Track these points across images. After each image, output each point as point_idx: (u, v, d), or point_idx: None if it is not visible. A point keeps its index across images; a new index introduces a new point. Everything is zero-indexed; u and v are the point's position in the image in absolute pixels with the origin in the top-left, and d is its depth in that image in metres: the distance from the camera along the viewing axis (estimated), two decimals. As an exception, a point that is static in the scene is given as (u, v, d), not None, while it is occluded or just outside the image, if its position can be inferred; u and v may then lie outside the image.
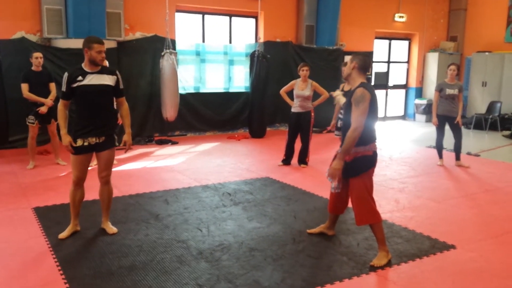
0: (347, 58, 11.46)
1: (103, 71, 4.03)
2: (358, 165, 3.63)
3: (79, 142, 3.98)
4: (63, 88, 3.96)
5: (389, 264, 3.71)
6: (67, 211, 4.81)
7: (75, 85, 3.91)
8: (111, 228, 4.30)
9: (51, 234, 4.20)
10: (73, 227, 4.22)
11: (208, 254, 3.84)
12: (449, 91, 7.14)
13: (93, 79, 3.95)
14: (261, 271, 3.59)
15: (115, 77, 4.09)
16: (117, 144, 4.28)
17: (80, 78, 3.91)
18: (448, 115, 7.18)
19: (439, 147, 7.48)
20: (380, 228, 3.74)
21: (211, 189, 5.78)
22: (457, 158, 7.42)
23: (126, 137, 4.21)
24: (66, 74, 3.94)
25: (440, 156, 7.49)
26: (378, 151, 3.75)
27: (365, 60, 3.67)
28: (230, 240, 4.16)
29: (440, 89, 7.24)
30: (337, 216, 4.23)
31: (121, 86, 4.15)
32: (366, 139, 3.60)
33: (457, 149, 7.38)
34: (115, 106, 4.38)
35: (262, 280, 3.45)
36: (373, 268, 3.63)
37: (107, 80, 4.03)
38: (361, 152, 3.61)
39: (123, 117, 4.22)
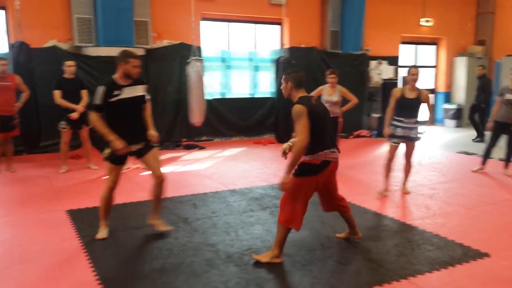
0: (373, 64, 11.49)
1: (135, 82, 4.14)
2: (301, 169, 3.68)
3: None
4: (98, 102, 3.97)
5: (272, 263, 3.73)
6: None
7: (113, 99, 3.97)
8: (163, 226, 4.43)
9: (85, 236, 4.30)
10: (107, 226, 4.36)
11: (237, 258, 3.87)
12: (509, 97, 6.75)
13: (129, 92, 4.06)
14: (290, 276, 3.59)
15: (144, 86, 4.25)
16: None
17: (116, 92, 3.99)
18: (507, 122, 6.82)
19: (487, 153, 7.12)
20: (286, 234, 3.75)
21: (239, 193, 5.82)
22: (506, 166, 7.06)
23: (153, 132, 4.27)
24: (102, 89, 3.97)
25: (484, 162, 7.16)
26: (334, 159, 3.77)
27: (297, 77, 3.74)
28: (258, 244, 4.18)
29: (501, 93, 6.89)
30: (349, 217, 4.20)
31: (147, 95, 4.31)
32: (312, 149, 3.63)
33: (508, 157, 7.02)
34: None
35: (291, 285, 3.46)
36: (402, 275, 3.58)
37: (140, 90, 4.17)
38: (307, 160, 3.67)
39: (147, 117, 4.31)
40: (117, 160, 4.12)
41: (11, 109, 6.67)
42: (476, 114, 10.55)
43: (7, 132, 6.71)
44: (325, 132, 3.72)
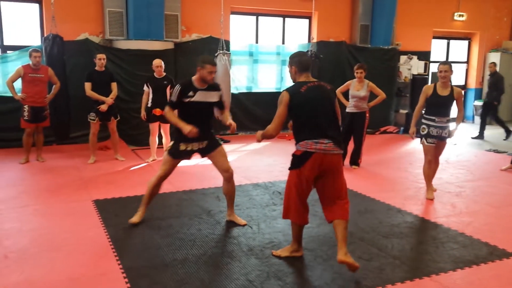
0: (403, 59, 11.27)
1: (210, 87, 4.25)
2: (291, 161, 3.61)
3: (182, 147, 4.26)
4: (173, 99, 4.16)
5: (294, 257, 3.74)
6: (125, 204, 5.05)
7: (186, 100, 4.14)
8: (240, 220, 4.54)
9: (110, 226, 4.41)
10: (143, 214, 4.51)
11: (258, 251, 3.90)
12: None
13: (202, 96, 4.19)
14: (311, 270, 3.60)
15: (219, 92, 4.35)
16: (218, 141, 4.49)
17: (191, 93, 4.16)
18: None
19: None
20: (294, 227, 3.71)
21: (262, 187, 5.84)
22: None
23: (231, 121, 4.37)
24: (178, 87, 4.16)
25: None
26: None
27: (300, 61, 3.66)
28: (280, 238, 4.19)
29: None
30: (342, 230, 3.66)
31: (223, 99, 4.42)
32: (296, 138, 3.58)
33: None
34: None
35: (312, 279, 3.46)
36: (426, 273, 3.54)
37: (214, 97, 4.29)
38: (294, 151, 3.59)
39: (226, 115, 4.46)
40: (177, 154, 4.28)
41: (43, 100, 6.83)
42: (489, 112, 10.34)
43: (38, 122, 6.89)
44: (314, 121, 3.48)
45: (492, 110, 10.32)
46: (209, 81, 4.18)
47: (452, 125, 5.46)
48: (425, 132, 5.42)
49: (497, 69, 10.52)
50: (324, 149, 3.44)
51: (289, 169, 3.64)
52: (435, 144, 5.43)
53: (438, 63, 5.46)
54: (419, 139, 5.61)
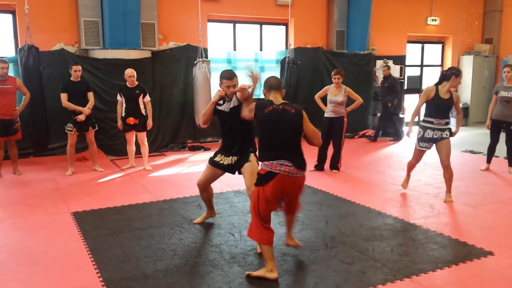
0: (379, 63, 11.42)
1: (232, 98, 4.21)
2: (256, 178, 3.63)
3: (217, 158, 4.37)
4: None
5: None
6: (104, 215, 5.00)
7: (218, 107, 4.23)
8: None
9: (89, 238, 4.34)
10: (207, 215, 4.81)
11: (241, 259, 3.89)
12: (503, 94, 6.79)
13: (225, 106, 4.21)
14: (294, 276, 3.61)
15: (235, 96, 4.19)
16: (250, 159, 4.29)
17: (221, 102, 4.20)
18: (503, 119, 6.87)
19: (490, 152, 7.19)
20: (264, 249, 3.56)
21: (243, 194, 5.83)
22: (510, 164, 7.11)
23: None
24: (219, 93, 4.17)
25: (488, 161, 7.22)
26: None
27: (267, 80, 3.75)
28: (263, 245, 4.18)
29: (496, 91, 6.94)
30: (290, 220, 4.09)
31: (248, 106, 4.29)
32: (262, 156, 3.60)
33: (510, 155, 7.07)
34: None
35: (294, 285, 3.47)
36: (406, 274, 3.58)
37: (234, 102, 4.20)
38: (259, 170, 3.63)
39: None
40: (211, 161, 4.41)
41: (12, 113, 6.63)
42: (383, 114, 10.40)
43: (9, 136, 6.69)
44: (271, 142, 3.54)
45: (387, 112, 10.29)
46: (228, 96, 4.15)
47: (452, 127, 5.54)
48: (420, 135, 5.49)
49: (471, 72, 10.63)
50: (288, 172, 3.48)
51: (255, 185, 3.63)
52: (427, 150, 5.56)
53: (455, 71, 5.37)
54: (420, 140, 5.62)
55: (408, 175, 6.00)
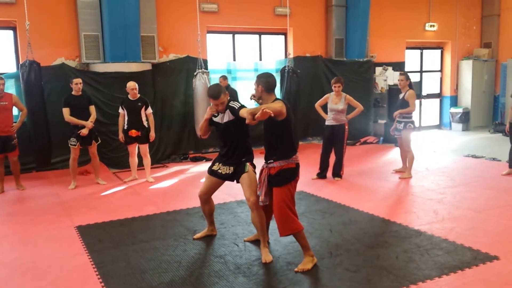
0: (378, 70, 11.48)
1: (226, 109, 4.24)
2: (282, 177, 3.80)
3: (215, 167, 4.39)
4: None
5: (314, 267, 3.84)
6: (108, 229, 4.99)
7: (214, 119, 4.31)
8: (266, 255, 4.10)
9: (94, 251, 4.34)
10: (207, 231, 4.71)
11: (246, 269, 3.88)
12: None
13: (220, 118, 4.29)
14: (299, 285, 3.59)
15: (228, 110, 4.22)
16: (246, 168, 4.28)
17: (216, 114, 4.29)
18: None
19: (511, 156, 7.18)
20: (302, 236, 3.86)
21: (246, 204, 5.82)
22: None
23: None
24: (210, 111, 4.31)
25: (511, 165, 7.18)
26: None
27: (268, 81, 3.84)
28: (267, 254, 4.18)
29: None
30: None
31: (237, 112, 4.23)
32: (287, 152, 3.81)
33: None
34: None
35: (300, 294, 3.46)
36: (412, 281, 3.57)
37: (227, 116, 4.24)
38: (285, 165, 3.79)
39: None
40: (209, 170, 4.44)
41: (9, 129, 6.62)
42: None
43: (7, 152, 6.69)
44: (295, 136, 3.91)
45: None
46: (219, 111, 4.22)
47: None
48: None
49: (471, 76, 10.56)
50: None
51: (284, 183, 3.79)
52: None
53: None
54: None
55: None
